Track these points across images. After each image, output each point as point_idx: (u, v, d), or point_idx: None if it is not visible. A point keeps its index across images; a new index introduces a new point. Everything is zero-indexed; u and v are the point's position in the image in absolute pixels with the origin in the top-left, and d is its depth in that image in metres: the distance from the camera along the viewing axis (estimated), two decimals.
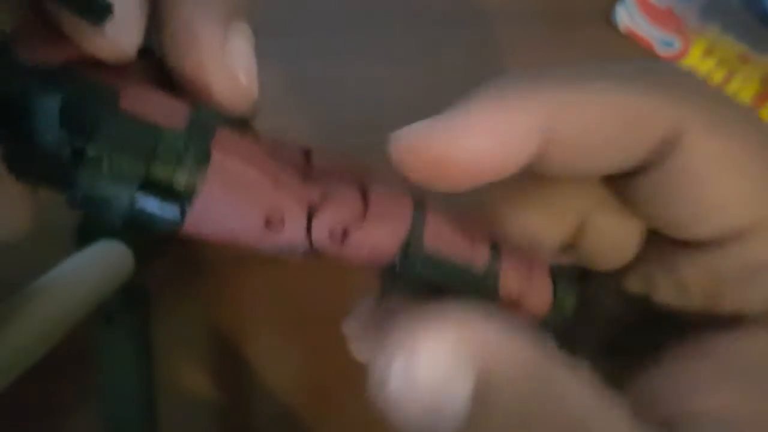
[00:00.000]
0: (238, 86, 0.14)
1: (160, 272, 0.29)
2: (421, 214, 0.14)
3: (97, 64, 0.12)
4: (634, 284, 0.17)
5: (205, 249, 0.31)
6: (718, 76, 0.39)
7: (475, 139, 0.13)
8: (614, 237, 0.17)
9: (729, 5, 0.40)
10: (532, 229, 0.17)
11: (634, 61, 0.15)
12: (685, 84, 0.14)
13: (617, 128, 0.14)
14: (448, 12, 0.40)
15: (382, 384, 0.12)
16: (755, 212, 0.14)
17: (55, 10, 0.12)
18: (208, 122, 0.13)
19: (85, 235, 0.26)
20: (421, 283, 0.14)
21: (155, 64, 0.14)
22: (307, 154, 0.15)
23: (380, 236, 0.13)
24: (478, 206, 0.16)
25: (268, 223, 0.13)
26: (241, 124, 0.14)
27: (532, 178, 0.16)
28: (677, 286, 0.15)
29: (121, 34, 0.12)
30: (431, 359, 0.11)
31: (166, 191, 0.12)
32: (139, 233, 0.26)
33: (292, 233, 0.13)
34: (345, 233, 0.13)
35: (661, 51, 0.40)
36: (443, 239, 0.14)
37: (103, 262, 0.25)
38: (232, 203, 0.12)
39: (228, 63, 0.14)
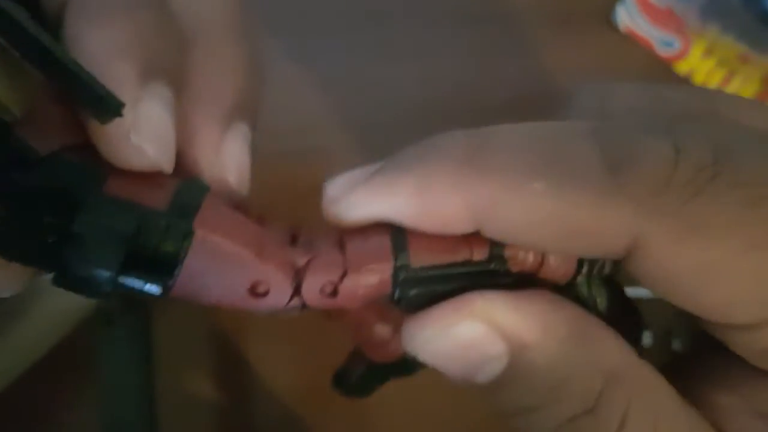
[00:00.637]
0: (227, 186, 0.15)
1: None
2: (401, 236, 0.14)
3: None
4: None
5: None
6: (718, 76, 0.39)
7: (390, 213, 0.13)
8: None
9: (729, 5, 0.40)
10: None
11: (603, 133, 0.13)
12: (651, 178, 0.12)
13: (555, 235, 0.13)
14: (449, 12, 0.40)
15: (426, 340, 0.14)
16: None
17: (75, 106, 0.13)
18: (195, 196, 0.14)
19: None
20: (428, 290, 0.14)
21: None
22: (293, 238, 0.15)
23: (367, 280, 0.14)
24: None
25: (252, 291, 0.14)
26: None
27: None
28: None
29: (153, 146, 0.13)
30: (469, 324, 0.13)
31: (148, 268, 0.13)
32: None
33: (276, 300, 0.14)
34: (334, 289, 0.14)
35: (661, 51, 0.40)
36: (431, 249, 0.14)
37: None
38: (214, 276, 0.13)
39: (220, 163, 0.15)
